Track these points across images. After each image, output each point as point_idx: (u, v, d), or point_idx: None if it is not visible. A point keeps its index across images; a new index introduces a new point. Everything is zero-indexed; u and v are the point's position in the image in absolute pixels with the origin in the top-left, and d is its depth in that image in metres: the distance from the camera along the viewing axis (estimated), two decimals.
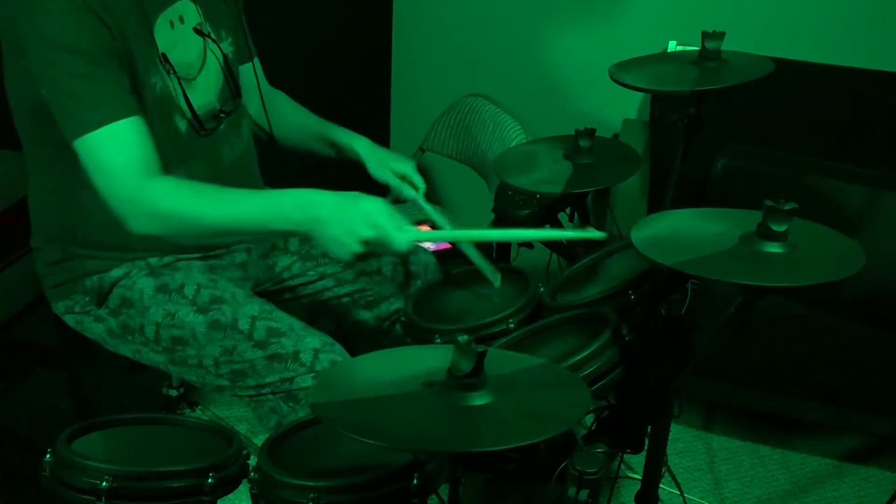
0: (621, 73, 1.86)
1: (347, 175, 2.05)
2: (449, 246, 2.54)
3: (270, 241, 1.85)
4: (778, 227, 1.32)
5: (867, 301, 2.28)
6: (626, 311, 1.57)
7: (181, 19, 1.72)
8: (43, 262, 1.81)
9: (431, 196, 3.33)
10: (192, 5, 1.74)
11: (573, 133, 1.89)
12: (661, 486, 1.75)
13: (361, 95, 3.10)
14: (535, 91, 3.13)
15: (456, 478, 1.24)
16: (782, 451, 2.52)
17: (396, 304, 2.01)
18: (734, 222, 1.40)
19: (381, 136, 3.23)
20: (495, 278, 1.81)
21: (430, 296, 1.87)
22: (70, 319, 1.83)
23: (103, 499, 1.35)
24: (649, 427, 1.63)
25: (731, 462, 2.48)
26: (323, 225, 1.49)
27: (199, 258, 1.81)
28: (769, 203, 1.32)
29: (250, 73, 1.92)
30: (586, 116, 2.99)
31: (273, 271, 1.97)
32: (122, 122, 1.54)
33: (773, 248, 1.33)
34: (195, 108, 1.72)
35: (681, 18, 2.86)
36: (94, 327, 1.80)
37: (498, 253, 2.37)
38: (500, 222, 2.27)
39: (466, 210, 3.18)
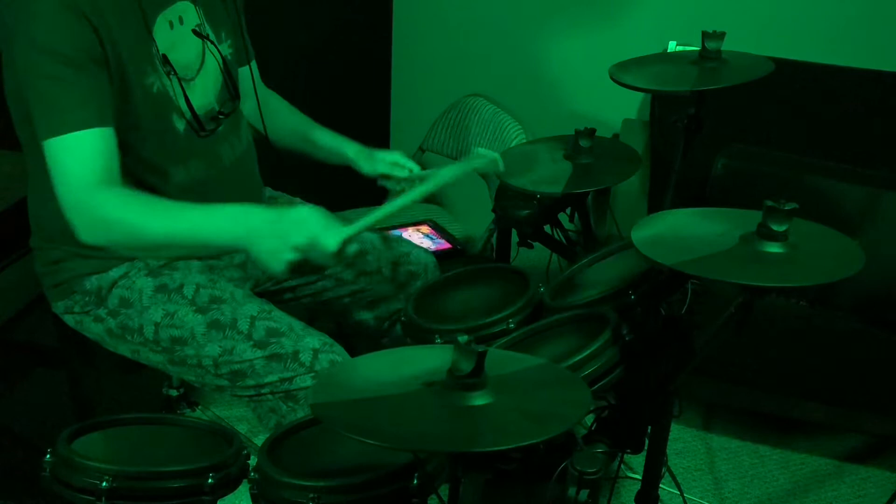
0: (621, 73, 1.86)
1: (343, 173, 2.06)
2: (449, 246, 2.55)
3: (213, 254, 1.82)
4: (778, 227, 1.32)
5: (867, 301, 2.28)
6: (626, 311, 1.57)
7: (181, 20, 1.72)
8: (42, 262, 1.81)
9: (431, 196, 3.35)
10: (192, 6, 1.74)
11: (573, 133, 1.89)
12: (661, 486, 1.75)
13: (361, 95, 3.10)
14: (535, 91, 3.13)
15: (456, 478, 1.24)
16: (782, 451, 2.52)
17: (396, 305, 2.01)
18: (734, 222, 1.40)
19: (381, 136, 3.23)
20: (499, 164, 1.79)
21: (430, 296, 1.87)
22: (69, 319, 1.83)
23: (103, 499, 1.35)
24: (649, 427, 1.63)
25: (731, 462, 2.48)
26: (257, 237, 1.49)
27: (198, 258, 1.81)
28: (769, 203, 1.32)
29: (247, 76, 1.92)
30: (586, 116, 2.99)
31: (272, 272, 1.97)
32: (87, 130, 1.55)
33: (773, 248, 1.33)
34: (195, 108, 1.72)
35: (681, 18, 2.86)
36: (94, 327, 1.80)
37: (498, 253, 2.37)
38: (500, 222, 2.27)
39: (466, 210, 3.18)
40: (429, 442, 1.13)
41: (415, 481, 1.34)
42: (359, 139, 3.09)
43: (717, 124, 1.93)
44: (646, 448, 1.64)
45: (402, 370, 1.23)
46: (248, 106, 1.93)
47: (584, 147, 1.88)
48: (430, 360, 1.23)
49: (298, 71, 2.78)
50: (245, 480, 1.44)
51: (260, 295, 1.85)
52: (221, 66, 1.80)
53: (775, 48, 2.32)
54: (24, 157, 1.75)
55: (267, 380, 1.67)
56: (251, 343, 1.67)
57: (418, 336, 1.75)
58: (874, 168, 2.41)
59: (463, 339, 1.15)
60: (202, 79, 1.76)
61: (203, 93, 1.76)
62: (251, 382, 1.68)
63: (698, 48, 1.87)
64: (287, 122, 2.01)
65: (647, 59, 1.98)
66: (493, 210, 2.26)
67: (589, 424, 1.62)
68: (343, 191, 2.26)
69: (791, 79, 2.60)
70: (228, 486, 1.44)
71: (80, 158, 1.55)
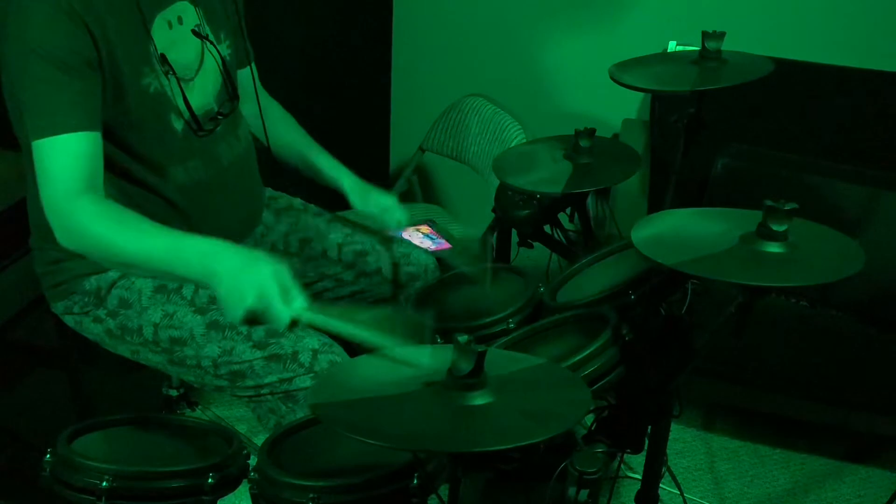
0: (621, 73, 1.86)
1: (345, 166, 2.05)
2: (449, 246, 2.55)
3: (177, 281, 1.77)
4: (778, 227, 1.32)
5: (867, 301, 2.28)
6: (626, 311, 1.57)
7: (180, 20, 1.72)
8: (42, 262, 1.81)
9: (431, 196, 3.35)
10: (191, 7, 1.74)
11: (573, 133, 1.89)
12: (661, 486, 1.75)
13: (361, 95, 3.10)
14: (535, 91, 3.13)
15: (456, 478, 1.24)
16: (782, 451, 2.52)
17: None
18: (734, 222, 1.40)
19: (381, 136, 3.23)
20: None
21: (429, 296, 1.87)
22: (69, 320, 1.83)
23: (103, 499, 1.35)
24: (649, 427, 1.63)
25: (731, 462, 2.48)
26: (218, 281, 1.44)
27: None
28: (769, 203, 1.32)
29: (247, 78, 1.92)
30: (586, 116, 2.99)
31: None
32: (73, 134, 1.55)
33: (773, 248, 1.33)
34: (193, 108, 1.72)
35: (681, 18, 2.86)
36: (93, 328, 1.80)
37: (498, 253, 2.37)
38: (499, 222, 2.27)
39: (466, 210, 3.18)
40: (429, 442, 1.13)
41: (415, 481, 1.34)
42: (359, 139, 3.12)
43: (717, 124, 1.93)
44: (646, 448, 1.64)
45: (403, 370, 1.23)
46: (247, 109, 1.93)
47: (584, 147, 1.88)
48: (430, 360, 1.23)
49: (299, 71, 2.78)
50: (245, 480, 1.45)
51: None
52: (220, 66, 1.80)
53: (775, 48, 2.32)
54: (23, 156, 1.75)
55: (266, 380, 1.67)
56: (250, 343, 1.67)
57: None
58: (874, 168, 2.41)
59: (463, 339, 1.15)
60: (201, 79, 1.76)
61: (202, 93, 1.76)
62: (250, 383, 1.68)
63: (698, 48, 1.87)
64: (287, 138, 2.00)
65: (647, 59, 1.98)
66: (493, 210, 2.26)
67: (589, 424, 1.62)
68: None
69: (791, 79, 2.60)
70: (228, 486, 1.44)
71: (64, 162, 1.55)
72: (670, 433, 1.73)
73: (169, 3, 1.70)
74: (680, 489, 1.96)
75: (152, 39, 1.65)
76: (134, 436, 1.55)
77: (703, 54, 1.86)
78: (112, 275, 1.76)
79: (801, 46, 2.74)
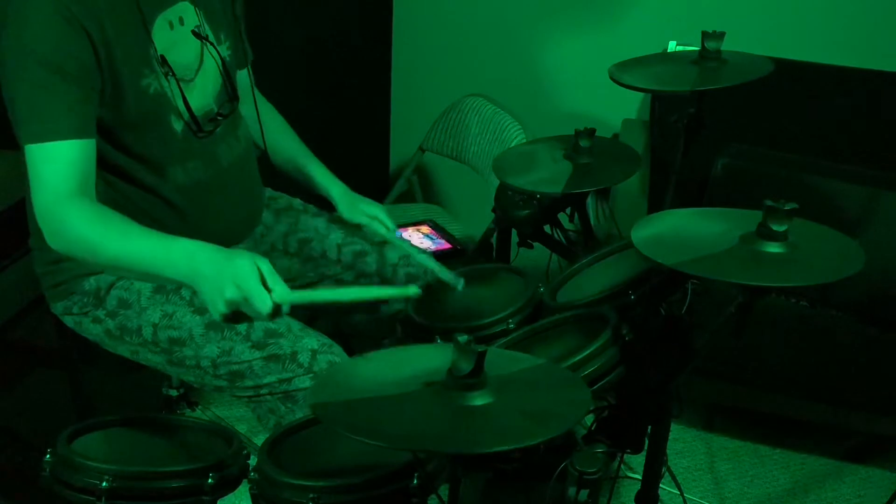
0: (621, 73, 1.86)
1: (343, 173, 2.06)
2: (449, 246, 2.55)
3: (162, 284, 1.77)
4: (778, 227, 1.32)
5: (867, 301, 2.28)
6: (626, 311, 1.57)
7: (181, 21, 1.72)
8: (42, 262, 1.81)
9: (431, 196, 3.35)
10: (192, 7, 1.74)
11: (573, 133, 1.89)
12: (661, 486, 1.75)
13: (361, 95, 3.10)
14: (535, 91, 3.13)
15: (456, 478, 1.24)
16: (782, 451, 2.52)
17: (396, 306, 2.00)
18: (734, 222, 1.40)
19: (381, 136, 3.23)
20: (458, 283, 1.82)
21: (430, 296, 1.87)
22: (69, 320, 1.83)
23: (103, 499, 1.35)
24: (649, 427, 1.63)
25: (731, 462, 2.48)
26: (201, 279, 1.45)
27: None
28: (769, 203, 1.32)
29: (244, 80, 1.92)
30: (586, 116, 2.98)
31: None
32: (66, 142, 1.55)
33: (773, 248, 1.33)
34: (193, 109, 1.72)
35: (681, 18, 2.86)
36: (93, 328, 1.80)
37: (498, 253, 2.37)
38: (499, 222, 2.27)
39: (466, 210, 3.18)
40: (429, 442, 1.13)
41: (415, 481, 1.34)
42: (359, 139, 3.12)
43: (717, 124, 1.93)
44: (646, 448, 1.64)
45: (402, 370, 1.23)
46: (244, 112, 1.93)
47: (584, 147, 1.88)
48: (430, 360, 1.23)
49: (299, 71, 2.78)
50: (245, 480, 1.45)
51: None
52: (220, 67, 1.80)
53: (775, 48, 2.32)
54: (22, 157, 1.75)
55: (265, 380, 1.67)
56: (249, 344, 1.67)
57: (418, 336, 1.75)
58: (874, 168, 2.41)
59: (463, 339, 1.15)
60: (201, 80, 1.76)
61: (202, 94, 1.76)
62: (250, 383, 1.68)
63: (698, 48, 1.87)
64: (282, 145, 2.01)
65: (647, 59, 1.98)
66: (493, 210, 2.26)
67: (589, 424, 1.62)
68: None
69: (791, 79, 2.60)
70: (228, 486, 1.44)
71: (55, 168, 1.55)
72: (670, 433, 1.73)
73: (170, 3, 1.70)
74: (680, 489, 1.96)
75: (152, 40, 1.65)
76: (134, 436, 1.55)
77: (703, 54, 1.86)
78: (112, 275, 1.76)
79: (801, 46, 2.74)
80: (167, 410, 2.25)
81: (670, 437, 1.75)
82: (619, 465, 1.96)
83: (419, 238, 2.57)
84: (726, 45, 1.86)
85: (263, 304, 1.40)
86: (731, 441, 2.55)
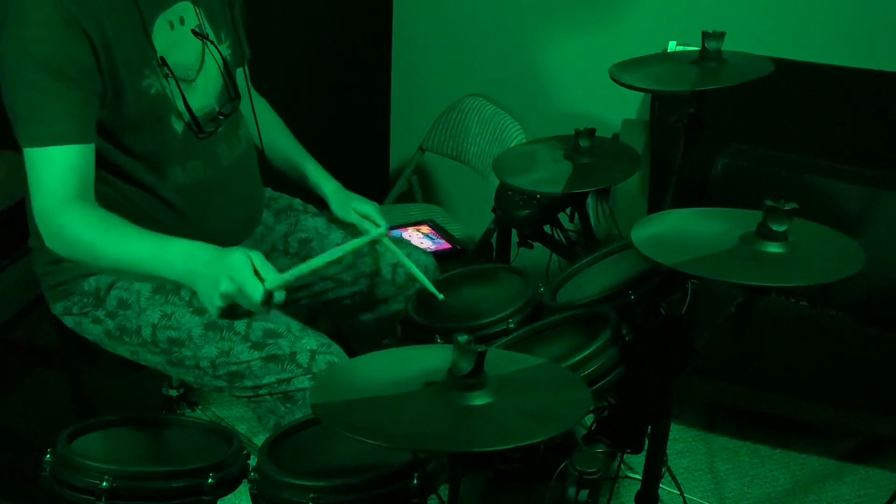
0: (621, 73, 1.86)
1: (343, 173, 2.06)
2: (449, 246, 2.55)
3: (162, 283, 1.78)
4: (778, 227, 1.32)
5: (867, 301, 2.28)
6: (626, 311, 1.57)
7: (181, 20, 1.72)
8: (42, 263, 1.81)
9: (431, 196, 3.35)
10: (192, 7, 1.74)
11: (573, 133, 1.89)
12: (661, 486, 1.75)
13: (361, 95, 3.10)
14: (535, 91, 3.13)
15: (456, 478, 1.24)
16: (782, 451, 2.52)
17: (396, 306, 2.01)
18: (734, 222, 1.40)
19: (381, 136, 3.23)
20: (439, 295, 1.82)
21: (430, 296, 1.87)
22: (68, 321, 1.83)
23: (103, 499, 1.35)
24: (649, 427, 1.63)
25: (731, 462, 2.48)
26: (197, 278, 1.47)
27: None
28: (769, 203, 1.32)
29: (240, 79, 1.92)
30: (586, 116, 2.98)
31: None
32: (66, 146, 1.56)
33: (773, 248, 1.33)
34: (194, 110, 1.72)
35: (681, 18, 2.86)
36: (92, 328, 1.80)
37: (498, 253, 2.37)
38: (499, 222, 2.27)
39: (466, 210, 3.18)
40: (429, 442, 1.13)
41: (415, 481, 1.34)
42: (359, 139, 3.11)
43: (717, 124, 1.93)
44: (646, 448, 1.64)
45: (402, 370, 1.23)
46: (243, 109, 1.92)
47: (584, 147, 1.88)
48: (430, 360, 1.23)
49: (299, 71, 2.78)
50: (245, 480, 1.45)
51: None
52: (221, 66, 1.80)
53: (775, 48, 2.32)
54: (22, 157, 1.75)
55: (264, 381, 1.67)
56: (248, 344, 1.67)
57: (418, 336, 1.75)
58: (874, 168, 2.41)
59: (463, 339, 1.15)
60: (202, 79, 1.76)
61: (203, 94, 1.76)
62: (249, 383, 1.68)
63: (698, 48, 1.87)
64: (278, 143, 2.01)
65: (647, 59, 1.98)
66: (493, 210, 2.26)
67: (589, 424, 1.62)
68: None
69: (791, 79, 2.60)
70: (228, 486, 1.44)
71: (55, 172, 1.56)
72: (670, 433, 1.73)
73: (170, 3, 1.70)
74: (680, 489, 1.96)
75: (152, 41, 1.65)
76: (134, 436, 1.55)
77: (703, 54, 1.86)
78: (111, 275, 1.76)
79: (801, 46, 2.74)
80: (167, 410, 2.25)
81: (670, 437, 1.75)
82: (619, 465, 1.96)
83: (419, 238, 2.57)
84: (726, 45, 1.86)
85: (256, 291, 1.41)
86: (731, 441, 2.55)
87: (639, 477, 1.78)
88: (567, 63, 3.07)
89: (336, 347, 1.69)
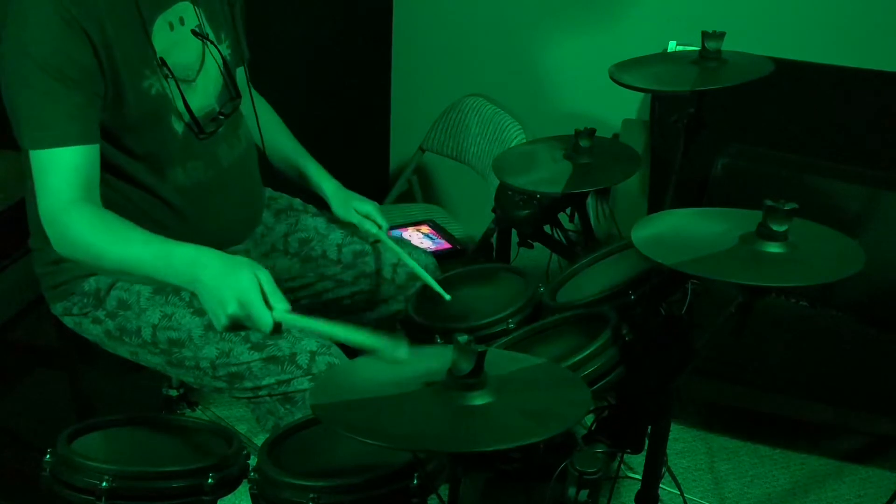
0: (621, 73, 1.86)
1: (343, 172, 2.06)
2: (449, 246, 2.55)
3: (165, 286, 1.77)
4: (778, 227, 1.32)
5: (867, 301, 2.28)
6: (626, 311, 1.57)
7: (181, 21, 1.72)
8: (42, 263, 1.81)
9: (431, 196, 3.35)
10: (192, 7, 1.74)
11: (573, 133, 1.89)
12: (661, 486, 1.75)
13: (361, 95, 3.10)
14: (535, 91, 3.13)
15: (456, 478, 1.24)
16: (782, 451, 2.52)
17: (396, 306, 2.01)
18: (734, 222, 1.40)
19: (381, 136, 3.23)
20: (446, 295, 1.82)
21: (430, 296, 1.87)
22: (68, 321, 1.83)
23: (103, 499, 1.35)
24: (649, 427, 1.63)
25: (731, 462, 2.48)
26: (202, 288, 1.46)
27: None
28: (769, 203, 1.32)
29: (241, 79, 1.92)
30: (586, 116, 2.98)
31: (273, 273, 1.96)
32: (69, 148, 1.56)
33: (773, 248, 1.33)
34: (194, 110, 1.72)
35: (681, 18, 2.86)
36: (92, 329, 1.80)
37: (498, 253, 2.37)
38: (499, 222, 2.27)
39: (466, 210, 3.18)
40: (429, 442, 1.13)
41: (415, 481, 1.34)
42: (360, 138, 3.11)
43: (717, 124, 1.93)
44: (646, 448, 1.64)
45: (402, 370, 1.23)
46: (243, 109, 1.92)
47: (584, 147, 1.88)
48: (430, 360, 1.23)
49: (299, 71, 2.78)
50: (245, 480, 1.44)
51: None
52: (221, 66, 1.80)
53: (775, 48, 2.32)
54: (22, 158, 1.75)
55: (264, 382, 1.66)
56: (248, 345, 1.67)
57: (418, 336, 1.75)
58: (874, 168, 2.41)
59: (463, 339, 1.15)
60: (203, 80, 1.76)
61: (203, 94, 1.76)
62: (248, 384, 1.68)
63: (698, 48, 1.87)
64: (278, 143, 2.01)
65: (647, 59, 1.98)
66: (493, 210, 2.26)
67: (589, 424, 1.62)
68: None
69: (791, 79, 2.60)
70: (228, 486, 1.44)
71: (59, 174, 1.56)
72: (670, 433, 1.73)
73: (170, 3, 1.69)
74: (680, 489, 1.96)
75: (152, 42, 1.65)
76: (134, 436, 1.55)
77: (703, 54, 1.86)
78: (111, 276, 1.76)
79: (801, 46, 2.74)
80: (167, 410, 2.25)
81: (670, 437, 1.75)
82: (619, 465, 1.96)
83: (419, 238, 2.57)
84: (726, 45, 1.86)
85: (265, 321, 1.41)
86: (731, 441, 2.55)
87: (639, 477, 1.78)
88: (567, 63, 3.07)
89: (336, 348, 1.69)
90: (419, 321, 1.78)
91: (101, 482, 1.35)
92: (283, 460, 1.41)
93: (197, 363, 1.70)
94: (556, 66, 3.09)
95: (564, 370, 1.36)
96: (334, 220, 2.02)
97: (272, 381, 1.66)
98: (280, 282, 1.94)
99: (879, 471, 2.46)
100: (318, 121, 2.82)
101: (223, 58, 1.80)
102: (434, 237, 2.59)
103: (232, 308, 1.41)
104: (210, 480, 1.40)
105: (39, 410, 2.37)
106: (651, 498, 1.73)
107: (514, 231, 2.26)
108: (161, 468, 1.40)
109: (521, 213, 2.12)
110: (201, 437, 1.54)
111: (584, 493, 1.29)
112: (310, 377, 1.64)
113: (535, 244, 2.18)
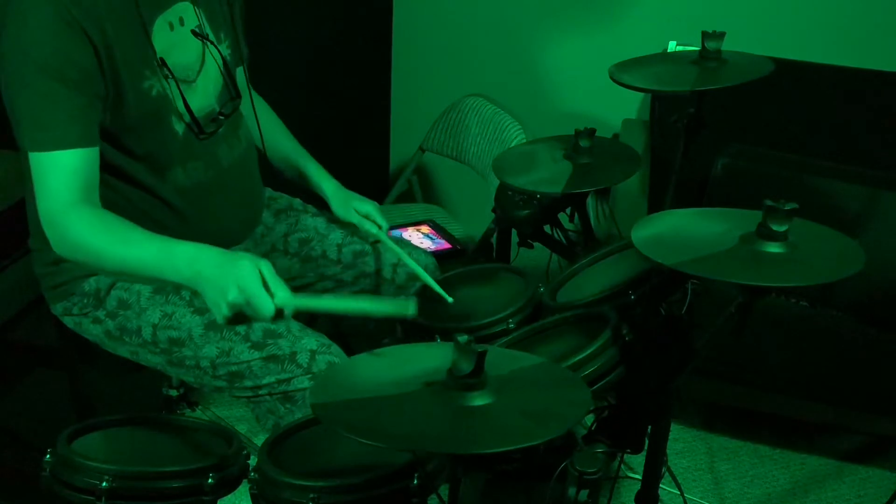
0: (621, 73, 1.86)
1: (343, 173, 2.06)
2: (449, 246, 2.55)
3: (165, 286, 1.77)
4: (778, 227, 1.32)
5: (867, 301, 2.28)
6: (626, 311, 1.57)
7: (181, 21, 1.72)
8: (42, 263, 1.81)
9: (431, 196, 3.35)
10: (191, 7, 1.74)
11: (573, 133, 1.89)
12: (661, 486, 1.75)
13: (361, 95, 3.10)
14: (535, 91, 3.13)
15: (456, 478, 1.24)
16: (782, 451, 2.52)
17: None
18: (734, 222, 1.40)
19: (381, 136, 3.23)
20: (448, 298, 1.82)
21: (430, 296, 1.86)
22: (68, 321, 1.83)
23: (103, 499, 1.35)
24: (649, 427, 1.63)
25: (731, 462, 2.48)
26: (204, 282, 1.46)
27: None
28: (769, 203, 1.32)
29: (240, 79, 1.92)
30: (586, 116, 2.98)
31: None
32: (69, 151, 1.56)
33: (773, 248, 1.33)
34: (194, 110, 1.72)
35: (681, 18, 2.86)
36: (92, 329, 1.80)
37: (498, 253, 2.37)
38: (499, 222, 2.27)
39: (466, 210, 3.18)
40: (429, 442, 1.13)
41: (415, 481, 1.34)
42: (360, 138, 3.12)
43: (717, 124, 1.93)
44: (646, 448, 1.64)
45: (402, 370, 1.23)
46: (242, 109, 1.92)
47: (584, 147, 1.88)
48: (430, 360, 1.23)
49: (299, 71, 2.78)
50: (245, 480, 1.44)
51: None
52: (221, 66, 1.80)
53: (775, 48, 2.32)
54: (21, 158, 1.75)
55: (265, 381, 1.66)
56: (249, 344, 1.67)
57: (418, 336, 1.75)
58: (874, 168, 2.41)
59: (463, 339, 1.15)
60: (203, 80, 1.76)
61: (204, 94, 1.76)
62: (249, 384, 1.68)
63: (698, 48, 1.87)
64: (278, 143, 2.01)
65: (647, 59, 1.98)
66: (493, 210, 2.26)
67: (589, 424, 1.62)
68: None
69: (791, 79, 2.60)
70: (228, 486, 1.44)
71: (59, 177, 1.56)
72: (670, 433, 1.73)
73: (169, 4, 1.69)
74: (680, 489, 1.96)
75: (152, 43, 1.65)
76: (134, 436, 1.55)
77: (703, 54, 1.86)
78: (111, 276, 1.76)
79: (801, 46, 2.74)
80: (167, 410, 2.25)
81: (670, 437, 1.75)
82: (619, 465, 1.96)
83: (419, 238, 2.57)
84: (726, 45, 1.86)
85: (266, 307, 1.41)
86: (731, 441, 2.55)
87: (639, 477, 1.78)
88: (567, 63, 3.07)
89: (336, 348, 1.69)
90: (419, 321, 1.78)
91: (101, 482, 1.35)
92: (283, 460, 1.41)
93: (197, 362, 1.70)
94: (556, 66, 3.09)
95: (564, 370, 1.36)
96: (334, 220, 2.02)
97: (272, 380, 1.66)
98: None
99: (879, 471, 2.46)
100: (318, 121, 2.82)
101: (223, 58, 1.80)
102: (434, 237, 2.59)
103: (232, 295, 1.41)
104: (210, 480, 1.40)
105: (39, 410, 2.37)
106: (651, 498, 1.73)
107: (514, 231, 2.26)
108: (161, 468, 1.40)
109: (521, 213, 2.12)
110: (201, 437, 1.54)
111: (584, 493, 1.29)
112: (310, 376, 1.64)
113: (535, 244, 2.18)
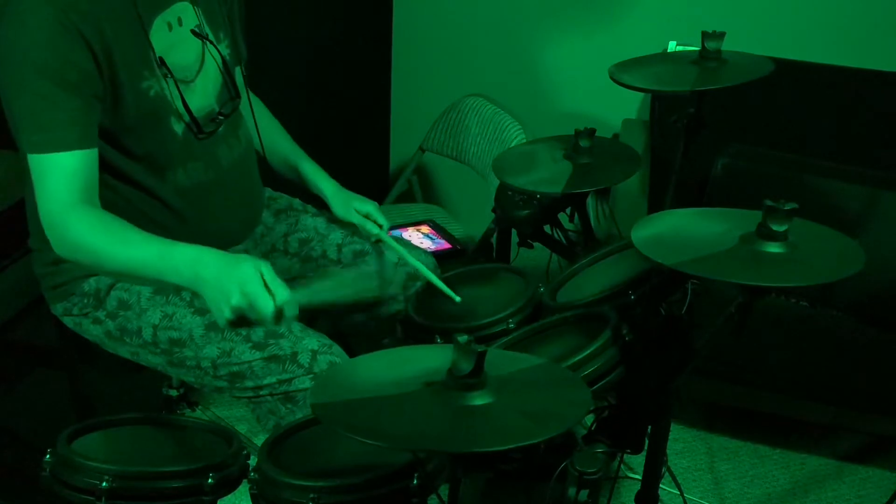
0: (621, 73, 1.86)
1: (343, 173, 2.06)
2: (449, 246, 2.55)
3: (166, 286, 1.77)
4: (778, 227, 1.32)
5: (867, 301, 2.28)
6: (626, 311, 1.57)
7: (179, 21, 1.72)
8: (42, 263, 1.81)
9: (431, 196, 3.35)
10: (191, 7, 1.74)
11: (573, 133, 1.89)
12: (661, 486, 1.75)
13: (361, 95, 3.10)
14: (535, 91, 3.13)
15: (456, 478, 1.24)
16: (782, 451, 2.52)
17: (396, 306, 2.00)
18: (734, 222, 1.40)
19: (381, 136, 3.23)
20: (455, 297, 1.83)
21: (430, 296, 1.87)
22: (68, 321, 1.83)
23: (103, 499, 1.35)
24: (649, 427, 1.63)
25: (731, 462, 2.48)
26: (204, 284, 1.47)
27: None
28: (769, 203, 1.32)
29: (239, 79, 1.92)
30: (586, 116, 2.98)
31: None
32: (68, 152, 1.56)
33: (773, 248, 1.33)
34: (193, 110, 1.72)
35: (681, 18, 2.86)
36: (93, 329, 1.80)
37: (498, 253, 2.37)
38: (499, 222, 2.27)
39: (466, 210, 3.18)
40: (429, 442, 1.13)
41: (415, 481, 1.34)
42: (360, 138, 3.12)
43: (717, 124, 1.93)
44: (646, 448, 1.64)
45: (402, 370, 1.23)
46: (241, 109, 1.92)
47: (584, 147, 1.88)
48: (430, 360, 1.23)
49: (299, 71, 2.78)
50: (245, 480, 1.44)
51: None
52: (221, 66, 1.80)
53: (775, 48, 2.32)
54: (21, 159, 1.75)
55: (265, 381, 1.66)
56: (249, 344, 1.67)
57: (418, 336, 1.75)
58: (874, 168, 2.41)
59: (463, 339, 1.15)
60: (202, 80, 1.76)
61: (203, 94, 1.76)
62: (250, 384, 1.68)
63: (698, 48, 1.87)
64: (276, 144, 2.01)
65: (647, 59, 1.98)
66: (493, 210, 2.26)
67: (589, 424, 1.62)
68: None
69: (791, 79, 2.60)
70: (228, 486, 1.44)
71: (58, 178, 1.56)
72: (670, 433, 1.73)
73: (168, 4, 1.69)
74: (680, 489, 1.96)
75: (151, 43, 1.65)
76: (134, 436, 1.55)
77: (703, 54, 1.86)
78: (111, 276, 1.76)
79: (801, 46, 2.74)
80: (167, 410, 2.25)
81: (670, 437, 1.75)
82: (619, 465, 1.96)
83: (419, 238, 2.57)
84: (726, 45, 1.86)
85: (267, 307, 1.42)
86: (731, 441, 2.55)
87: (639, 477, 1.78)
88: (567, 63, 3.07)
89: (337, 348, 1.69)
90: (419, 321, 1.78)
91: (101, 482, 1.35)
92: (283, 460, 1.41)
93: (198, 363, 1.70)
94: (556, 66, 3.09)
95: (564, 370, 1.36)
96: (334, 219, 2.02)
97: (273, 380, 1.66)
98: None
99: (879, 471, 2.46)
100: (318, 121, 2.82)
101: (222, 58, 1.80)
102: (434, 237, 2.59)
103: (235, 298, 1.43)
104: (210, 480, 1.40)
105: (39, 410, 2.37)
106: (651, 498, 1.73)
107: (514, 231, 2.26)
108: (161, 468, 1.40)
109: (521, 213, 2.12)
110: (201, 437, 1.54)
111: (584, 493, 1.30)
112: (311, 376, 1.64)
113: (535, 244, 2.18)
